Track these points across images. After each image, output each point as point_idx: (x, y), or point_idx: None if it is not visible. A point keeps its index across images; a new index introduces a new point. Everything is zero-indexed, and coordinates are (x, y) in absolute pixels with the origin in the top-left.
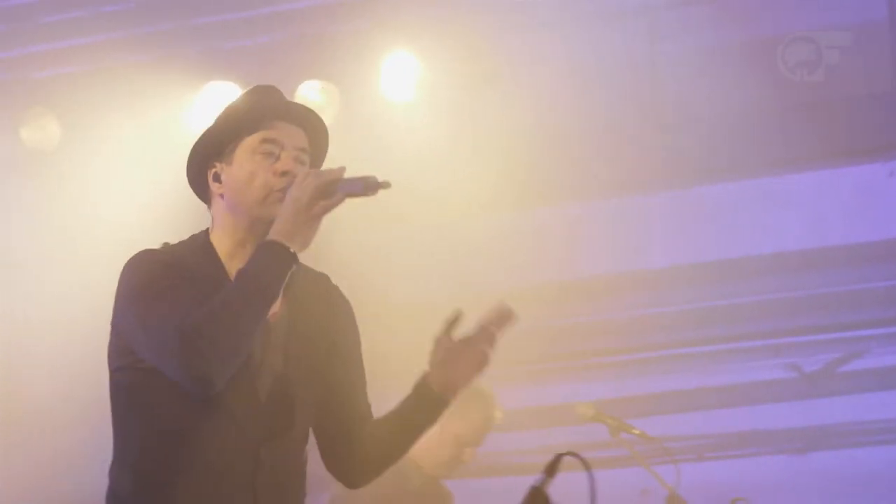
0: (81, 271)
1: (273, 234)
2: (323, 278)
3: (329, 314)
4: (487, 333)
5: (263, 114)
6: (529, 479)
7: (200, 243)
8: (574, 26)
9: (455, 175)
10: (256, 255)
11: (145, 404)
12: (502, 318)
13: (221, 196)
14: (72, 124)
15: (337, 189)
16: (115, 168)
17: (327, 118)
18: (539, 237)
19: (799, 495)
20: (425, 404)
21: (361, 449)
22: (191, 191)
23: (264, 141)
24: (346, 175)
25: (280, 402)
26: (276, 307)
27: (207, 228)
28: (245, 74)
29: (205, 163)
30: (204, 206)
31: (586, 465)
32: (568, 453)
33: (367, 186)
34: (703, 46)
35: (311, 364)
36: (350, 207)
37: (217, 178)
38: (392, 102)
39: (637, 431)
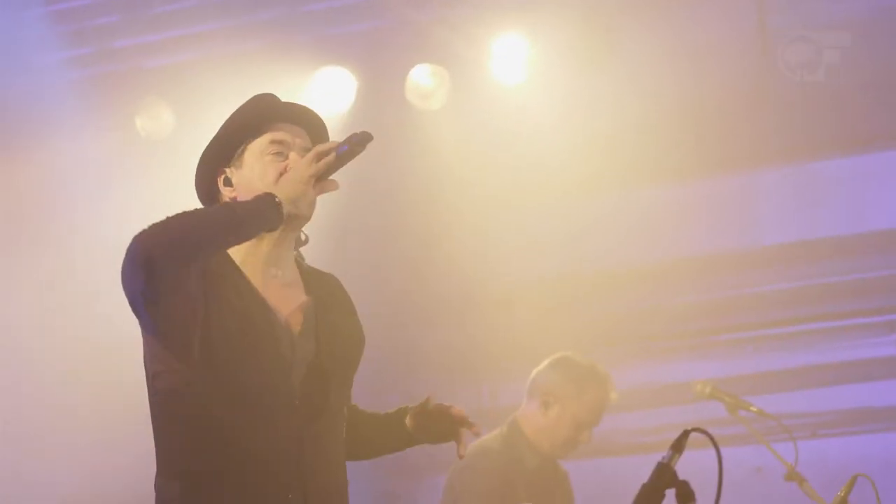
0: None
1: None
2: (331, 276)
3: (344, 306)
4: (460, 419)
5: (267, 116)
6: (647, 459)
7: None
8: (683, 3)
9: (566, 155)
10: (251, 199)
11: (186, 407)
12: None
13: (234, 199)
14: (185, 113)
15: (330, 152)
16: None
17: (439, 101)
18: (650, 216)
19: None
20: (397, 433)
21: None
22: None
23: (272, 142)
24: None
25: (316, 388)
26: (302, 299)
27: None
28: (355, 60)
29: (213, 169)
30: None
31: (714, 442)
32: (695, 429)
33: (354, 143)
34: (814, 18)
35: (339, 349)
36: (463, 192)
37: (228, 183)
38: (502, 85)
39: (755, 409)
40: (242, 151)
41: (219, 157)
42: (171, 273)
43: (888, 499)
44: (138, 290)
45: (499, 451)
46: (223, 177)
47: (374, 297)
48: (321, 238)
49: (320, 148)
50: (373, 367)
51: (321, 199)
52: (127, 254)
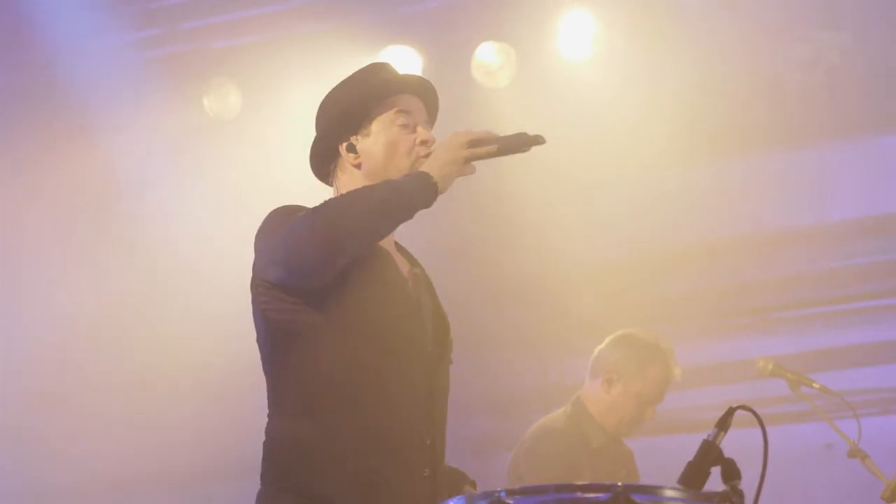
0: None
1: (426, 167)
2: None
3: (432, 286)
4: None
5: (393, 86)
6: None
7: None
8: None
9: (633, 131)
10: (406, 177)
11: (322, 346)
12: None
13: (357, 166)
14: (252, 93)
15: (491, 142)
16: (294, 136)
17: (505, 79)
18: (717, 193)
19: None
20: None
21: None
22: None
23: (399, 112)
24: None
25: (441, 337)
26: (408, 267)
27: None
28: (422, 38)
29: (337, 136)
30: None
31: (759, 420)
32: (741, 407)
33: (521, 142)
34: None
35: (439, 310)
36: (530, 171)
37: (352, 149)
38: (569, 61)
39: (817, 385)
40: (370, 121)
41: (344, 123)
42: (351, 256)
43: None
44: (311, 264)
45: (563, 429)
46: (346, 144)
47: (447, 278)
48: None
49: (476, 135)
50: None
51: None
52: (306, 226)
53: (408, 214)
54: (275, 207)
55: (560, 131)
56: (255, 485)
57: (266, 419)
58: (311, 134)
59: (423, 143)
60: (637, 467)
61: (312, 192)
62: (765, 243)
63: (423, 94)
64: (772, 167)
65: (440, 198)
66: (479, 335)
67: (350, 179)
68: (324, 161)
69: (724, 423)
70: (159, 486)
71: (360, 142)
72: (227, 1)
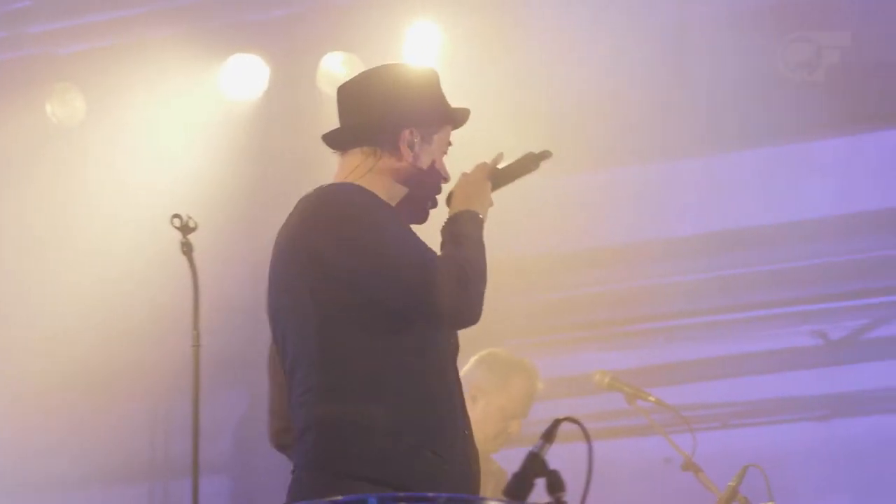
0: (105, 243)
1: (464, 206)
2: None
3: None
4: None
5: (463, 117)
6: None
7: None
8: None
9: (476, 142)
10: (470, 224)
11: (387, 333)
12: None
13: (400, 160)
14: (96, 100)
15: (504, 171)
16: (139, 143)
17: None
18: (554, 206)
19: (823, 463)
20: None
21: None
22: (215, 165)
23: (449, 143)
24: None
25: (455, 338)
26: None
27: (356, 184)
28: (269, 47)
29: (404, 122)
30: (235, 180)
31: (585, 432)
32: (567, 419)
33: (531, 161)
34: (733, 9)
35: None
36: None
37: (411, 146)
38: None
39: (653, 399)
40: (437, 130)
41: (419, 117)
42: None
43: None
44: (453, 319)
45: None
46: (408, 135)
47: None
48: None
49: (494, 163)
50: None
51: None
52: (460, 289)
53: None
54: (341, 200)
55: None
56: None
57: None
58: (157, 141)
59: (446, 178)
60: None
61: (158, 197)
62: (608, 257)
63: (459, 125)
64: (620, 181)
65: (278, 208)
66: None
67: (391, 170)
68: (367, 140)
69: (549, 435)
70: None
71: (419, 144)
72: (73, 6)
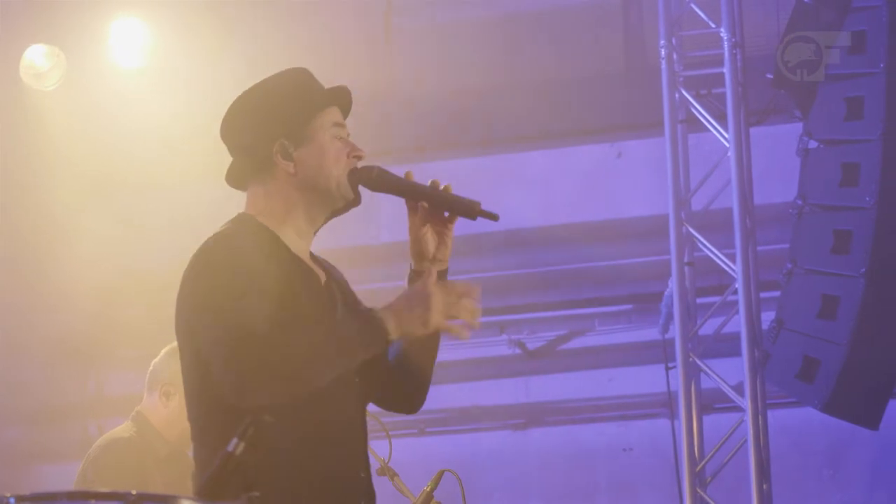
0: None
1: (392, 312)
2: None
3: (344, 281)
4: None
5: (330, 98)
6: None
7: (254, 228)
8: None
9: (177, 142)
10: (371, 320)
11: None
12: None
13: (291, 173)
14: None
15: (449, 197)
16: None
17: (53, 83)
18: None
19: (517, 469)
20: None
21: (400, 375)
22: None
23: (335, 125)
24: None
25: (361, 367)
26: (323, 276)
27: (245, 213)
28: None
29: (271, 143)
30: None
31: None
32: (254, 420)
33: (473, 207)
34: (439, 23)
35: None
36: (67, 176)
37: (288, 157)
38: (121, 69)
39: None
40: (309, 129)
41: (280, 130)
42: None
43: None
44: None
45: (129, 439)
46: (281, 151)
47: None
48: None
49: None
50: None
51: None
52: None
53: (355, 360)
54: (208, 256)
55: (103, 138)
56: None
57: None
58: None
59: (356, 156)
60: None
61: None
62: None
63: (346, 104)
64: None
65: None
66: (13, 346)
67: (282, 187)
68: (249, 168)
69: (244, 434)
70: None
71: (296, 150)
72: None
